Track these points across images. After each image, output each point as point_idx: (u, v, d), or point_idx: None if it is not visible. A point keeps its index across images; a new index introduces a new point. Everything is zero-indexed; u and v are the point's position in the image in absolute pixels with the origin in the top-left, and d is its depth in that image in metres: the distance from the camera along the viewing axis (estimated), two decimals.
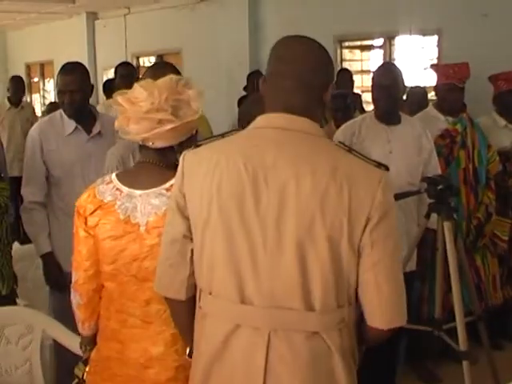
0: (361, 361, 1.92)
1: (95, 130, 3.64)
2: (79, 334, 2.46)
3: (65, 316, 3.37)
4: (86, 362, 2.41)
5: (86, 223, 2.22)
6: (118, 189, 2.21)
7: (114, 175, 2.27)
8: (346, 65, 8.51)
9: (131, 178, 2.23)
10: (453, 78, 4.43)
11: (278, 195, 1.74)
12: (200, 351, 1.90)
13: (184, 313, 1.97)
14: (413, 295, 4.06)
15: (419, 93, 5.75)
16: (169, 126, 2.12)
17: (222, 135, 1.93)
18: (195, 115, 2.18)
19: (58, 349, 3.26)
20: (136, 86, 2.18)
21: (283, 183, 1.74)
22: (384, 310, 1.80)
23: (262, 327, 1.77)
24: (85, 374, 2.38)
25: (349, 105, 5.20)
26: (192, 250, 1.88)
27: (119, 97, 2.19)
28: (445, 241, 3.39)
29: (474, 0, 6.88)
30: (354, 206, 1.73)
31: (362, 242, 1.75)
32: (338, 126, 4.78)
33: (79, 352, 2.49)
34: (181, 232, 1.89)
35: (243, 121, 2.88)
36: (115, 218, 2.17)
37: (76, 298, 2.31)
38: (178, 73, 2.82)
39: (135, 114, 2.13)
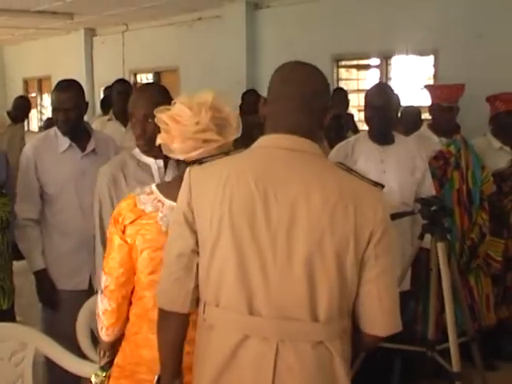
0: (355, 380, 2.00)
1: (89, 147, 3.63)
2: (72, 352, 2.45)
3: (56, 333, 3.38)
4: (104, 368, 2.41)
5: (123, 231, 2.24)
6: (159, 200, 2.24)
7: (154, 186, 2.30)
8: (342, 84, 8.54)
9: (172, 190, 2.22)
10: (444, 99, 4.51)
11: (289, 212, 1.82)
12: (206, 362, 1.93)
13: (183, 327, 1.99)
14: (407, 315, 4.06)
15: (413, 113, 5.78)
16: (214, 146, 2.15)
17: (226, 153, 1.99)
18: (237, 133, 2.22)
19: (50, 365, 3.25)
20: (177, 103, 2.22)
21: (293, 200, 1.82)
22: (384, 319, 1.91)
23: (271, 337, 1.84)
24: (105, 380, 2.38)
25: (342, 125, 5.23)
26: (197, 264, 1.92)
27: (163, 115, 2.23)
28: (438, 261, 3.41)
29: (470, 21, 6.93)
30: (359, 223, 1.84)
31: (366, 256, 1.87)
32: (331, 146, 4.82)
33: (71, 369, 2.48)
34: (189, 246, 1.92)
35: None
36: (157, 230, 2.19)
37: (104, 304, 2.32)
38: (167, 93, 2.88)
39: (182, 134, 2.16)
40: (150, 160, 2.90)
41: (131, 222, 2.22)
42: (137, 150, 2.94)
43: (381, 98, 3.74)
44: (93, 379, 2.43)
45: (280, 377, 1.84)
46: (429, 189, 3.93)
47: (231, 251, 1.84)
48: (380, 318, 1.91)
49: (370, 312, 1.91)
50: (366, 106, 3.85)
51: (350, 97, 7.67)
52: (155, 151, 2.81)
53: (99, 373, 2.42)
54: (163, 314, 1.99)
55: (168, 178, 2.82)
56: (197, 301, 1.97)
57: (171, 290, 1.95)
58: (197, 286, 1.94)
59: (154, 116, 2.57)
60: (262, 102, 2.02)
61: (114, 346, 2.40)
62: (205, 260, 1.90)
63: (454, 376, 3.31)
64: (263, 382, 1.85)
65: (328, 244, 1.82)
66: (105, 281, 2.30)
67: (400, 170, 3.81)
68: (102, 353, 2.44)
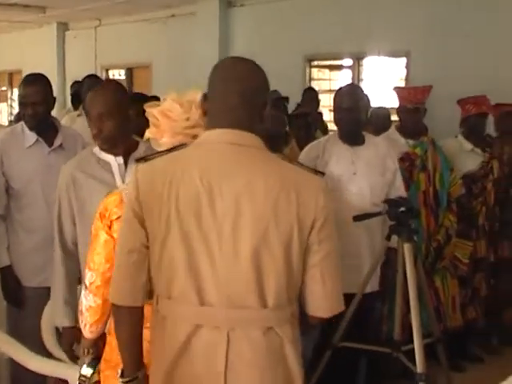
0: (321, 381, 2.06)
1: (57, 142, 3.59)
2: (37, 352, 2.43)
3: (22, 330, 3.34)
4: (89, 365, 2.42)
5: (110, 227, 2.25)
6: None
7: None
8: (314, 84, 8.58)
9: None
10: (410, 101, 4.52)
11: (233, 204, 1.88)
12: (161, 352, 1.98)
13: (138, 320, 2.03)
14: (374, 315, 4.08)
15: (382, 114, 5.79)
16: None
17: (172, 149, 2.03)
18: None
19: (14, 364, 3.22)
20: (168, 99, 2.26)
21: (238, 193, 1.88)
22: (327, 301, 2.01)
23: (222, 326, 1.90)
24: (95, 375, 2.39)
25: (310, 123, 5.23)
26: (148, 258, 1.97)
27: (153, 109, 2.25)
28: (405, 262, 3.41)
29: (442, 24, 6.99)
30: (301, 211, 1.92)
31: (310, 242, 1.95)
32: (299, 145, 4.83)
33: (34, 369, 2.45)
34: (140, 241, 1.96)
35: None
36: None
37: (89, 300, 2.32)
38: (124, 92, 2.90)
39: (172, 129, 2.21)
40: (109, 157, 2.88)
41: (118, 218, 2.22)
42: (97, 148, 2.91)
43: (350, 100, 3.73)
44: (83, 372, 2.43)
45: (232, 364, 1.90)
46: (399, 189, 3.93)
47: (180, 245, 1.89)
48: (323, 301, 2.01)
49: (313, 295, 2.00)
50: (334, 107, 3.83)
51: (323, 97, 7.70)
52: (115, 149, 2.85)
53: (85, 371, 2.42)
54: (117, 309, 2.02)
55: (129, 174, 2.80)
56: (151, 293, 2.01)
57: (124, 285, 1.99)
58: (149, 280, 1.99)
59: (110, 115, 2.62)
60: (202, 98, 2.09)
61: (97, 343, 2.40)
62: (155, 254, 1.94)
63: (418, 377, 3.32)
64: (216, 369, 1.90)
65: (273, 233, 1.88)
66: (90, 277, 2.30)
67: (371, 171, 3.81)
68: (85, 351, 2.45)
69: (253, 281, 1.88)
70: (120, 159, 2.86)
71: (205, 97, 2.07)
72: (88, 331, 2.37)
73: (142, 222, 1.95)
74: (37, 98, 3.47)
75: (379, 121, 5.47)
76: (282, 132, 3.82)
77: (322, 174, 2.04)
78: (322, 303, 2.01)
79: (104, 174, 2.85)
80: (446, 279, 4.68)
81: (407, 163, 4.38)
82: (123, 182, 2.80)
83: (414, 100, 4.51)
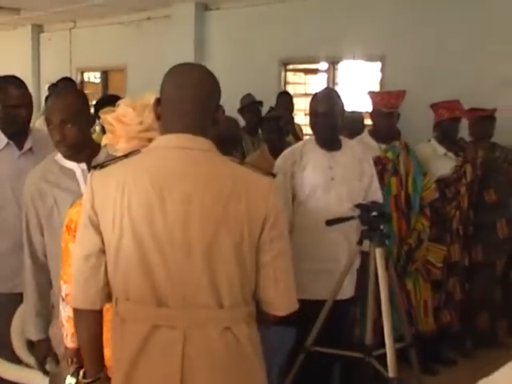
0: None
1: (26, 145, 3.54)
2: (10, 360, 2.43)
3: None
4: (74, 375, 2.41)
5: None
6: None
7: None
8: (289, 88, 8.61)
9: None
10: (384, 105, 4.57)
11: (184, 207, 1.94)
12: (121, 353, 2.04)
13: (98, 323, 2.09)
14: (348, 320, 4.10)
15: (355, 118, 5.79)
16: None
17: (126, 155, 2.08)
18: None
19: None
20: (121, 104, 2.31)
21: (188, 196, 1.95)
22: (282, 300, 2.09)
23: (178, 326, 1.96)
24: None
25: (282, 127, 5.24)
26: (105, 262, 2.03)
27: (108, 115, 2.29)
28: (376, 266, 3.44)
29: (417, 28, 7.04)
30: (252, 211, 1.99)
31: (261, 241, 2.03)
32: (271, 149, 4.83)
33: (8, 377, 2.46)
34: (96, 246, 2.03)
35: None
36: None
37: (67, 311, 2.37)
38: (84, 98, 2.90)
39: (126, 134, 2.24)
40: (72, 165, 2.86)
41: None
42: (59, 155, 2.89)
43: (326, 104, 3.74)
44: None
45: (189, 363, 1.96)
46: (376, 193, 3.96)
47: (134, 249, 1.96)
48: (278, 299, 2.08)
49: (267, 293, 2.07)
50: (310, 112, 3.84)
51: (298, 101, 7.71)
52: (78, 155, 2.84)
53: (69, 380, 2.42)
54: (78, 313, 2.09)
55: None
56: (110, 296, 2.07)
57: (83, 289, 2.05)
58: (107, 283, 2.05)
59: (72, 121, 2.63)
60: (155, 102, 2.11)
61: (79, 352, 2.38)
62: (111, 258, 2.01)
63: (390, 381, 3.34)
64: (173, 369, 1.96)
65: (224, 234, 1.96)
66: (65, 289, 2.34)
67: (348, 176, 3.82)
68: (69, 360, 2.46)
69: (206, 281, 1.96)
70: (83, 165, 2.85)
71: (158, 101, 2.11)
72: (70, 341, 2.42)
73: (97, 228, 2.02)
74: (23, 100, 3.43)
75: (353, 125, 5.47)
76: (234, 135, 3.80)
77: (273, 175, 2.11)
78: (277, 301, 2.09)
79: (68, 182, 2.83)
80: (417, 283, 4.72)
81: (379, 167, 4.40)
82: None
83: (388, 104, 4.55)
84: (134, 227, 1.95)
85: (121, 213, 1.96)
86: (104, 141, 2.30)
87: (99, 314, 2.08)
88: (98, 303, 2.05)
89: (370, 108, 4.77)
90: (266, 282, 2.06)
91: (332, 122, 3.73)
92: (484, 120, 5.31)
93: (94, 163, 2.79)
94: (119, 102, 2.32)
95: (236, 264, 1.98)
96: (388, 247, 3.88)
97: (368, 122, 6.12)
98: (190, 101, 2.03)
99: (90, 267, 2.03)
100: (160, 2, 9.36)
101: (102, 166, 2.06)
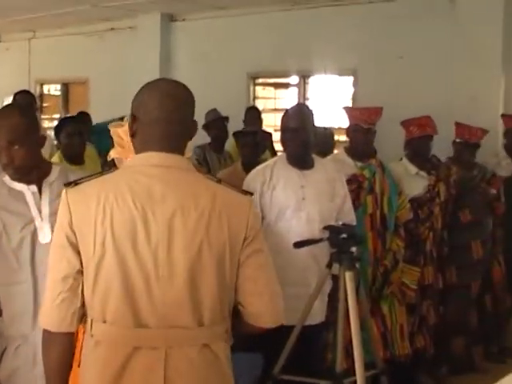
0: None
1: None
2: None
3: None
4: None
5: None
6: None
7: None
8: (258, 102, 8.65)
9: None
10: (363, 120, 4.59)
11: (167, 228, 2.01)
12: (96, 378, 2.04)
13: (70, 346, 2.11)
14: (319, 346, 4.09)
15: (325, 134, 5.70)
16: None
17: (101, 173, 2.15)
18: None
19: None
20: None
21: (171, 216, 2.01)
22: (268, 312, 2.17)
23: (159, 346, 2.01)
24: None
25: (258, 143, 5.27)
26: (82, 283, 2.05)
27: (118, 129, 2.36)
28: (346, 290, 3.44)
29: (390, 42, 7.14)
30: (233, 231, 2.08)
31: (242, 258, 2.11)
32: (245, 165, 4.85)
33: None
34: (74, 267, 2.04)
35: None
36: None
37: None
38: (31, 115, 2.83)
39: None
40: (22, 187, 2.82)
41: None
42: (7, 177, 2.84)
43: (297, 120, 3.77)
44: None
45: (171, 381, 2.01)
46: (348, 214, 3.97)
47: (115, 269, 1.99)
48: (264, 312, 2.16)
49: (254, 307, 2.15)
50: (281, 127, 3.86)
51: (268, 116, 7.74)
52: (28, 176, 2.80)
53: None
54: (50, 336, 2.09)
55: (45, 203, 2.78)
56: (82, 318, 2.09)
57: (58, 311, 2.05)
58: (82, 305, 2.06)
59: (19, 142, 2.61)
60: (132, 120, 2.14)
61: None
62: (90, 279, 2.03)
63: None
64: None
65: (206, 254, 2.03)
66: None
67: (320, 195, 3.83)
68: None
69: (188, 301, 2.02)
70: (33, 187, 2.82)
71: (134, 118, 2.13)
72: None
73: (75, 248, 2.03)
74: None
75: (325, 141, 5.48)
76: None
77: (251, 194, 2.22)
78: (264, 314, 2.17)
79: (17, 205, 2.80)
80: (393, 306, 4.72)
81: (354, 185, 4.44)
82: (39, 211, 2.77)
83: (367, 120, 4.59)
84: (117, 246, 1.99)
85: (102, 232, 1.99)
86: (113, 154, 2.38)
87: (72, 336, 2.10)
88: (74, 325, 2.08)
89: (344, 123, 4.79)
90: (250, 296, 2.14)
91: (303, 138, 3.75)
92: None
93: (45, 183, 2.80)
94: (127, 116, 2.36)
95: (218, 283, 2.06)
96: (361, 269, 3.92)
97: (340, 137, 6.19)
98: (176, 122, 2.10)
99: (68, 289, 2.05)
100: (124, 13, 9.33)
101: (76, 183, 2.08)
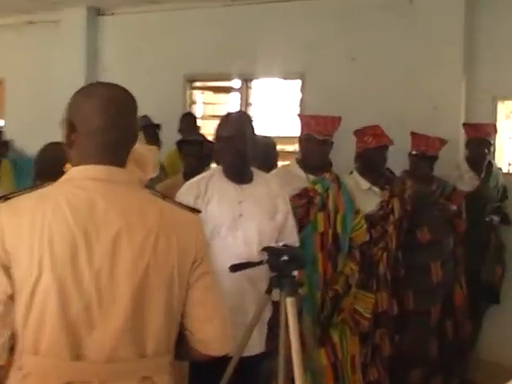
0: None
1: None
2: None
3: None
4: None
5: None
6: None
7: None
8: (196, 108, 8.69)
9: None
10: (319, 131, 4.63)
11: (111, 249, 2.01)
12: None
13: (1, 379, 2.07)
14: (260, 378, 4.14)
15: (265, 144, 5.52)
16: None
17: (35, 187, 2.12)
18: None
19: None
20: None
21: (115, 236, 2.02)
22: (218, 340, 2.24)
23: (93, 381, 2.00)
24: None
25: (202, 153, 5.33)
26: (13, 310, 2.01)
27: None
28: (287, 318, 3.42)
29: (342, 42, 7.25)
30: (182, 251, 2.13)
31: (190, 281, 2.17)
32: (186, 175, 4.93)
33: None
34: (6, 293, 2.00)
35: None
36: None
37: None
38: None
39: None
40: None
41: None
42: None
43: (232, 127, 3.81)
44: None
45: None
46: (291, 235, 4.01)
47: (53, 294, 1.96)
48: (214, 340, 2.22)
49: (201, 334, 2.21)
50: (215, 137, 3.90)
51: (207, 123, 7.75)
52: None
53: None
54: None
55: None
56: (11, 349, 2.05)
57: None
58: (12, 334, 2.03)
59: None
60: (68, 128, 2.15)
61: None
62: (22, 305, 1.99)
63: None
64: None
65: (154, 278, 2.06)
66: None
67: (259, 213, 3.86)
68: None
69: (132, 331, 2.03)
70: None
71: (72, 127, 2.14)
72: None
73: (6, 270, 1.99)
74: None
75: (266, 151, 5.39)
76: None
77: (198, 211, 2.30)
78: (213, 341, 2.23)
79: None
80: (344, 335, 4.76)
81: (304, 200, 4.49)
82: None
83: (323, 131, 4.62)
84: (55, 269, 1.96)
85: (40, 252, 1.96)
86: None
87: (2, 369, 2.07)
88: (4, 356, 2.04)
89: (291, 132, 4.79)
90: (199, 322, 2.20)
91: (239, 147, 3.78)
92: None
93: None
94: None
95: (165, 310, 2.09)
96: (309, 293, 4.01)
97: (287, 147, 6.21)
98: (118, 130, 2.13)
99: None
100: (45, 5, 9.22)
101: (7, 197, 2.07)
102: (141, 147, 2.41)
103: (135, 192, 2.16)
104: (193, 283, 2.18)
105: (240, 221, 3.81)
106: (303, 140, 4.78)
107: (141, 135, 5.82)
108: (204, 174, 4.08)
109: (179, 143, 5.74)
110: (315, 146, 4.66)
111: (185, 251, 2.15)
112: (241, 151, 3.81)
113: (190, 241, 2.18)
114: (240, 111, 5.93)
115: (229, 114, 4.06)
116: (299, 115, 4.93)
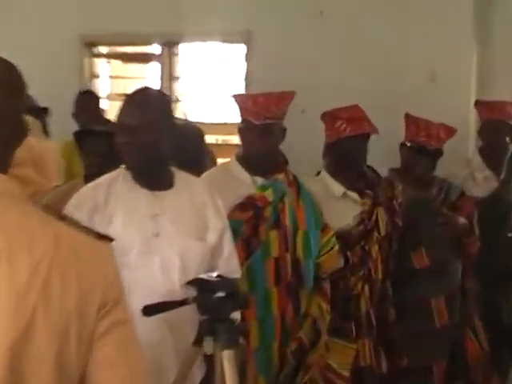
0: None
1: None
2: None
3: None
4: None
5: None
6: None
7: None
8: (98, 83, 8.70)
9: None
10: (253, 114, 4.59)
11: None
12: None
13: None
14: None
15: (189, 133, 5.53)
16: None
17: None
18: None
19: None
20: None
21: None
22: None
23: None
24: None
25: (114, 150, 5.29)
26: None
27: None
28: (224, 376, 3.35)
29: None
30: (84, 293, 2.05)
31: (96, 334, 2.09)
32: (88, 179, 4.81)
33: None
34: None
35: None
36: None
37: None
38: None
39: None
40: None
41: None
42: None
43: (134, 113, 3.75)
44: None
45: None
46: (228, 261, 3.97)
47: None
48: None
49: None
50: (117, 125, 3.83)
51: (116, 105, 7.71)
52: None
53: None
54: None
55: None
56: None
57: None
58: None
59: None
60: None
61: None
62: None
63: None
64: None
65: (41, 327, 1.96)
66: None
67: (182, 231, 3.82)
68: None
69: None
70: None
71: None
72: None
73: None
74: None
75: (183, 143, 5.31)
76: None
77: (110, 239, 2.22)
78: None
79: None
80: None
81: (250, 213, 4.45)
82: None
83: (264, 113, 4.56)
84: None
85: None
86: None
87: None
88: None
89: (232, 118, 4.78)
90: None
91: (146, 139, 3.70)
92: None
93: None
94: None
95: (55, 372, 2.01)
96: (262, 344, 4.04)
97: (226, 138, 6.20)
98: None
99: None
100: None
101: None
102: (39, 143, 2.39)
103: (19, 207, 2.10)
104: (99, 337, 2.10)
105: (155, 243, 3.77)
106: (242, 129, 4.75)
107: (37, 125, 5.77)
108: (103, 178, 4.00)
109: (77, 134, 5.65)
110: (254, 136, 4.62)
111: (88, 293, 2.07)
112: (150, 145, 3.74)
113: (96, 279, 2.10)
114: (145, 88, 5.96)
115: (133, 94, 3.98)
116: (234, 95, 4.84)
